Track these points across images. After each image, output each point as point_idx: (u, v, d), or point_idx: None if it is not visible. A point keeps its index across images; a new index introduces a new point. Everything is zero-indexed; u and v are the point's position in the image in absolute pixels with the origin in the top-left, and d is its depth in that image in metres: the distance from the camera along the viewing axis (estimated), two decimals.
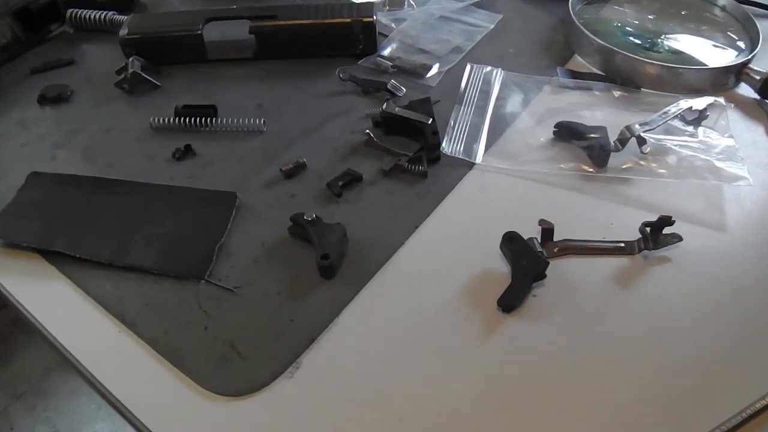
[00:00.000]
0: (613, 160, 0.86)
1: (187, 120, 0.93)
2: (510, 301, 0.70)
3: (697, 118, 0.91)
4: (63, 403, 1.90)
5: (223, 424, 0.63)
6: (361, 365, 0.67)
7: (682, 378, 0.65)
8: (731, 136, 0.89)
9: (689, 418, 0.62)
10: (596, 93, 0.98)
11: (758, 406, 0.62)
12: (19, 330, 1.94)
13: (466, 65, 1.02)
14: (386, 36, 1.09)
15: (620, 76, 1.00)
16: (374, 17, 1.03)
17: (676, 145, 0.88)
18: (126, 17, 1.08)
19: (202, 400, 0.65)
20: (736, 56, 1.02)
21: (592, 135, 0.87)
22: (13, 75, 1.08)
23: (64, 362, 0.70)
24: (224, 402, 0.64)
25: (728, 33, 1.08)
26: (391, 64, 1.02)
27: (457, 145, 0.89)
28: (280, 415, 0.63)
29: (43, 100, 1.01)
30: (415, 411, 0.63)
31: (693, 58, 1.02)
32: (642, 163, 0.86)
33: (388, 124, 0.90)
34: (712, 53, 1.03)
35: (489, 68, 1.01)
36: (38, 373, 1.96)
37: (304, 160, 0.87)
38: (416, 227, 0.79)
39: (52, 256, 0.78)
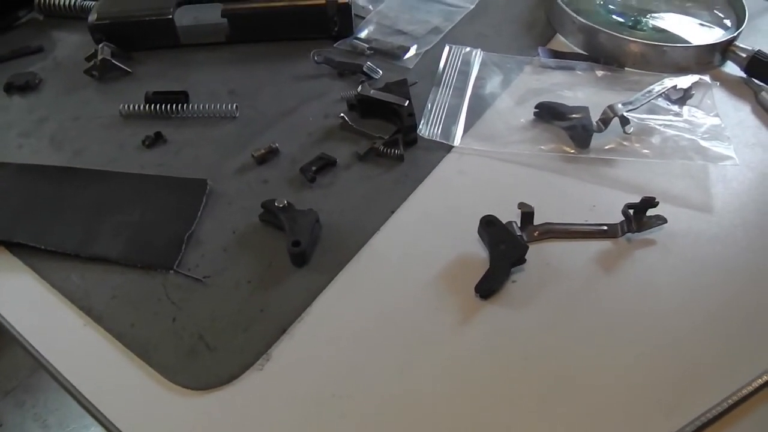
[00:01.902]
0: (596, 140, 0.84)
1: (158, 107, 0.91)
2: (488, 287, 0.68)
3: (682, 97, 0.89)
4: (52, 399, 1.88)
5: (191, 418, 0.60)
6: (333, 356, 0.64)
7: (669, 363, 0.63)
8: (717, 115, 0.87)
9: (677, 403, 0.60)
10: (579, 73, 0.95)
11: (745, 391, 0.60)
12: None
13: (444, 46, 1.00)
14: (363, 18, 1.07)
15: (603, 56, 0.97)
16: None
17: (660, 125, 0.86)
18: (95, 2, 1.05)
19: (169, 394, 0.62)
20: (722, 34, 1.00)
21: (574, 115, 0.85)
22: None
23: (29, 357, 0.67)
24: (192, 396, 0.62)
25: (714, 11, 1.05)
26: (367, 46, 1.00)
27: (434, 128, 0.86)
28: (250, 409, 0.61)
29: (11, 88, 0.99)
30: (391, 402, 0.61)
31: (678, 36, 0.99)
32: (625, 143, 0.84)
33: (364, 106, 0.88)
34: (697, 31, 1.01)
35: (468, 49, 0.99)
36: (26, 368, 1.94)
37: (277, 145, 0.84)
38: (392, 212, 0.77)
39: (17, 248, 0.75)
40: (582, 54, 1.00)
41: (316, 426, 0.59)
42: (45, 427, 1.84)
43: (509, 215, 0.73)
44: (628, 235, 0.73)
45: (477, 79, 0.95)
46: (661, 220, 0.74)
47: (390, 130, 0.85)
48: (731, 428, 0.58)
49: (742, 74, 0.95)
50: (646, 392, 0.61)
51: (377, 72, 0.96)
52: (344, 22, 1.02)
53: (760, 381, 0.60)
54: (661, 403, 0.60)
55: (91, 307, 0.69)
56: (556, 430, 0.59)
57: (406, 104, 0.84)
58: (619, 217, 0.74)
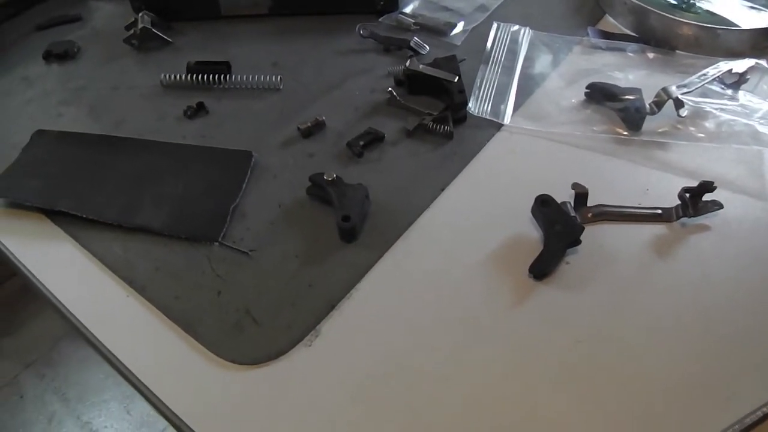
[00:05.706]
0: (649, 123, 0.82)
1: (200, 77, 0.89)
2: (542, 268, 0.66)
3: (737, 82, 0.87)
4: (72, 372, 1.88)
5: (237, 393, 0.59)
6: (382, 334, 0.63)
7: (723, 352, 0.61)
8: None
9: (731, 393, 0.58)
10: (629, 54, 0.93)
11: None
12: (29, 298, 1.92)
13: (492, 24, 0.98)
14: None
15: (654, 38, 0.95)
16: None
17: (715, 109, 0.84)
18: None
19: (215, 369, 0.61)
20: None
21: (626, 97, 0.83)
22: (18, 31, 1.05)
23: (70, 328, 0.66)
24: (238, 370, 0.61)
25: None
26: (413, 21, 0.98)
27: (484, 105, 0.84)
28: (297, 385, 0.59)
29: (49, 56, 0.98)
30: (439, 383, 0.59)
31: (731, 21, 0.97)
32: (679, 126, 0.82)
33: (412, 82, 0.86)
34: (750, 15, 0.98)
35: (516, 27, 0.97)
36: (48, 341, 1.94)
37: (323, 118, 0.83)
38: (442, 190, 0.76)
39: (57, 216, 0.74)
40: (632, 36, 0.98)
41: (365, 404, 0.58)
42: (64, 400, 1.84)
43: (561, 196, 0.71)
44: (683, 219, 0.71)
45: (525, 58, 0.93)
46: (717, 205, 0.72)
47: (438, 107, 0.84)
48: None
49: None
50: (699, 382, 0.59)
51: (424, 48, 0.94)
52: None
53: None
54: (713, 394, 0.58)
55: (133, 278, 0.68)
56: (607, 414, 0.57)
57: (456, 80, 0.83)
58: (672, 201, 0.72)
